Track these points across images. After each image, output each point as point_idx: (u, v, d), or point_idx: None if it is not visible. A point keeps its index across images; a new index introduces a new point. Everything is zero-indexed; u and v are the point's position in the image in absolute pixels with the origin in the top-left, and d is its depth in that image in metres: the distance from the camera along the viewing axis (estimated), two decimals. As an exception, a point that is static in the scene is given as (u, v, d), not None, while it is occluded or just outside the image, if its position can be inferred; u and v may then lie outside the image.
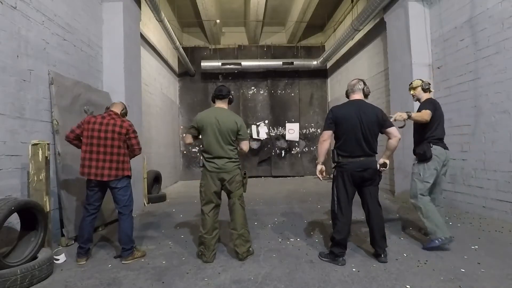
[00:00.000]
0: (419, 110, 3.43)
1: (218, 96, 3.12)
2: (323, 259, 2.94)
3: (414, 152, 3.47)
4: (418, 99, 3.59)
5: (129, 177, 3.15)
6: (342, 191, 2.87)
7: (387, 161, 2.93)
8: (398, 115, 3.21)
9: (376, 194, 2.93)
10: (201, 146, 3.16)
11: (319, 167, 2.99)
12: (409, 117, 3.25)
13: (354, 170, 2.81)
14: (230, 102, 3.20)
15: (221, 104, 3.13)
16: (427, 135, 3.34)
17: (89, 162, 2.99)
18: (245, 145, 3.11)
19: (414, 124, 3.48)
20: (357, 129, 2.80)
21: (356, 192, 2.96)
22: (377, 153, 2.90)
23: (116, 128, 3.02)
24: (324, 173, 3.01)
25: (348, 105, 2.94)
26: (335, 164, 2.93)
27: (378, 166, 2.89)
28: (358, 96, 2.96)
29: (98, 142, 2.99)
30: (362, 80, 3.01)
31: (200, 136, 3.12)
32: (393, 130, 2.86)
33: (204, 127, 3.02)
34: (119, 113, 3.16)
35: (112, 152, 3.01)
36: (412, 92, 3.62)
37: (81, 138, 3.05)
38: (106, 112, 3.17)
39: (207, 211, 3.00)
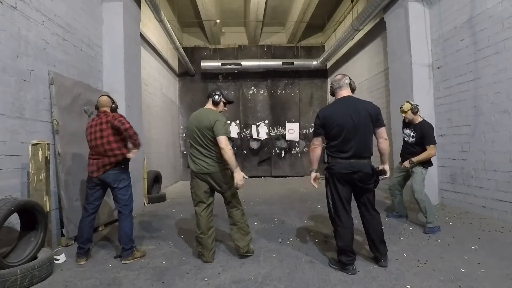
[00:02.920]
0: (417, 133, 3.88)
1: (207, 96, 3.14)
2: (333, 266, 2.75)
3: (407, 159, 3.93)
4: (411, 121, 3.98)
5: (123, 172, 3.11)
6: (335, 195, 2.70)
7: (387, 167, 2.75)
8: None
9: (372, 199, 2.74)
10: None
11: (313, 174, 2.87)
12: (414, 162, 3.82)
13: (343, 171, 2.62)
14: (213, 102, 3.05)
15: (208, 105, 3.10)
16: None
17: (89, 161, 3.15)
18: (220, 142, 2.81)
19: (417, 144, 3.87)
20: (346, 128, 2.60)
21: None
22: (372, 154, 2.71)
23: (103, 126, 3.07)
24: (318, 180, 2.89)
25: (337, 104, 2.75)
26: (326, 165, 2.76)
27: (379, 170, 2.72)
28: (346, 92, 2.76)
29: (92, 143, 3.11)
30: (347, 75, 2.83)
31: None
32: (382, 130, 2.71)
33: (188, 128, 3.08)
34: (108, 112, 3.18)
35: (100, 149, 3.06)
36: (403, 115, 3.99)
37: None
38: (97, 113, 3.20)
39: (200, 211, 2.99)
